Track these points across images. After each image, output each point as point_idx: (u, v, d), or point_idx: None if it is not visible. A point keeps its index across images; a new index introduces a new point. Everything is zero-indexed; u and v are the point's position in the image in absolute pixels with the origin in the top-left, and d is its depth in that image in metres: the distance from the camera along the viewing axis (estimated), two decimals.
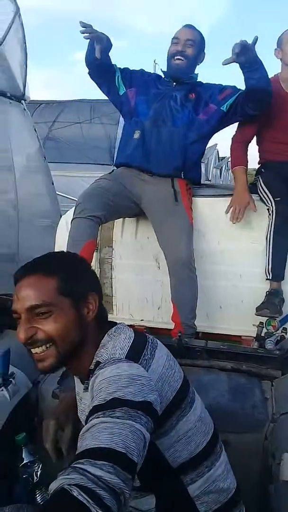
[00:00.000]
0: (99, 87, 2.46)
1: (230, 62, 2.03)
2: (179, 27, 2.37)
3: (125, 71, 2.45)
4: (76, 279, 1.02)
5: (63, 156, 6.22)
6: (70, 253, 1.30)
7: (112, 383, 0.85)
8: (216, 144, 13.50)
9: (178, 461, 1.00)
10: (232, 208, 2.33)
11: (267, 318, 2.15)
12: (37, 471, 1.18)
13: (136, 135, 2.31)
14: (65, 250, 2.16)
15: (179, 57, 2.30)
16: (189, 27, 2.37)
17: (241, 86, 2.26)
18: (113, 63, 2.40)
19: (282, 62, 2.36)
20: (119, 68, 2.43)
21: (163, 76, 2.43)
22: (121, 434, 0.76)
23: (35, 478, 1.18)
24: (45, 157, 3.99)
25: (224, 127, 2.42)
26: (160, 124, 2.29)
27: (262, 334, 2.05)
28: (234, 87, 2.32)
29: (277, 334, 2.04)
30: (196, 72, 2.42)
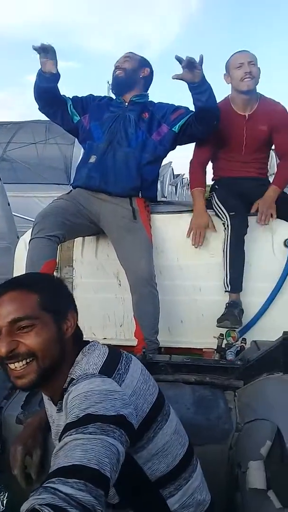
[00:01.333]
0: (53, 119, 2.50)
1: (180, 78, 2.13)
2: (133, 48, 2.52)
3: (75, 99, 2.49)
4: (57, 297, 1.04)
5: (18, 177, 6.14)
6: (46, 273, 1.31)
7: (85, 399, 0.85)
8: (171, 162, 13.78)
9: (156, 475, 1.00)
10: (192, 231, 2.40)
11: (227, 329, 2.21)
12: (3, 500, 1.15)
13: (92, 159, 2.33)
14: (24, 271, 2.14)
15: (118, 71, 2.42)
16: (128, 52, 2.50)
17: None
18: (62, 92, 2.44)
19: (231, 85, 2.46)
20: (69, 98, 2.47)
21: (114, 98, 2.50)
22: (93, 450, 0.76)
23: (1, 507, 1.15)
24: (0, 178, 3.93)
25: (177, 146, 2.47)
26: (115, 146, 2.32)
27: (223, 346, 2.10)
28: (187, 108, 2.37)
29: (237, 345, 2.09)
30: (148, 92, 2.50)
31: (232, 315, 2.24)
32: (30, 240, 2.19)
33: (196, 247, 2.39)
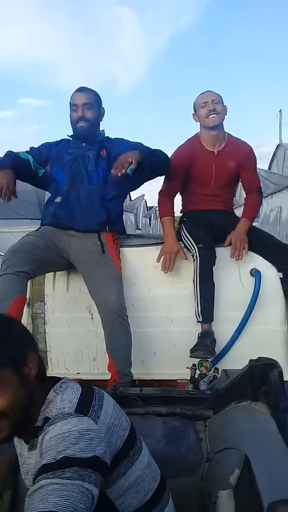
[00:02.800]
0: (22, 180, 2.41)
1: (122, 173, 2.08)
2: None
3: (35, 153, 2.47)
4: (12, 345, 1.00)
5: None
6: None
7: (62, 441, 0.85)
8: (144, 194, 14.01)
9: (129, 510, 1.00)
10: (162, 257, 2.44)
11: (200, 359, 2.23)
12: None
13: (58, 199, 2.38)
14: None
15: (81, 122, 2.41)
16: (82, 89, 2.46)
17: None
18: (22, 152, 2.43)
19: (199, 123, 2.59)
20: (28, 154, 2.44)
21: (71, 139, 2.52)
22: (70, 496, 0.76)
23: None
24: None
25: (137, 185, 2.55)
26: (78, 185, 2.36)
27: (196, 376, 2.11)
28: (140, 148, 2.28)
29: (209, 375, 2.11)
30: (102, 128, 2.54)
31: (204, 345, 2.27)
32: None
33: (165, 273, 2.43)
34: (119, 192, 2.44)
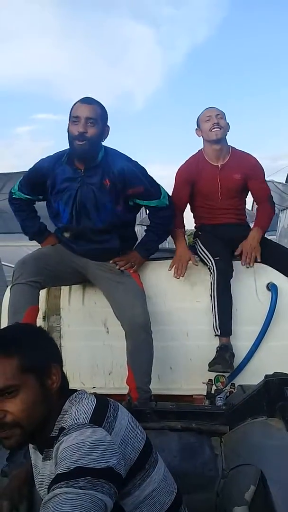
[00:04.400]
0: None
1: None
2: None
3: (26, 189, 2.34)
4: (37, 354, 1.03)
5: (8, 227, 6.21)
6: (27, 325, 1.29)
7: (76, 451, 0.86)
8: None
9: None
10: (174, 264, 2.45)
11: (218, 374, 2.21)
12: None
13: (66, 235, 2.32)
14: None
15: (80, 141, 2.08)
16: (88, 101, 2.12)
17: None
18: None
19: (202, 138, 2.62)
20: (28, 196, 2.36)
21: (63, 159, 2.20)
22: (82, 506, 0.77)
23: None
24: None
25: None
26: (85, 221, 2.22)
27: (212, 392, 2.10)
28: (145, 187, 2.21)
29: (226, 390, 2.09)
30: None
31: (223, 359, 2.25)
32: (11, 287, 2.19)
33: (177, 278, 2.42)
34: (128, 220, 2.39)
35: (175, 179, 2.64)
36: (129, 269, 2.33)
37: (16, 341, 1.03)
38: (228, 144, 2.63)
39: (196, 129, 2.65)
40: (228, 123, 2.59)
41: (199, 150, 2.68)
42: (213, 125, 2.52)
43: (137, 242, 2.51)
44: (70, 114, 2.13)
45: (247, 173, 2.59)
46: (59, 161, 2.21)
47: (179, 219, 2.63)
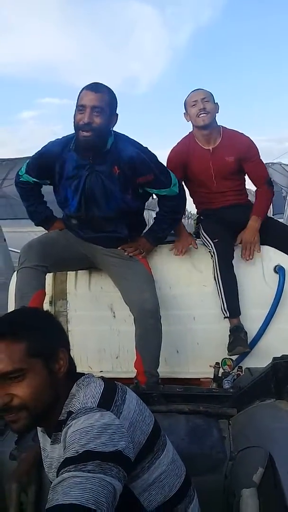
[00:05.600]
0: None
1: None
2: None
3: (34, 173, 2.27)
4: (45, 338, 1.03)
5: (15, 212, 6.22)
6: (35, 310, 1.29)
7: (84, 435, 0.87)
8: None
9: (153, 505, 1.00)
10: (176, 247, 2.46)
11: (223, 358, 2.21)
12: None
13: (74, 221, 2.29)
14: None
15: (85, 131, 2.00)
16: (95, 88, 2.02)
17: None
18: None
19: (191, 122, 2.55)
20: (36, 180, 2.31)
21: (71, 145, 2.13)
22: (91, 489, 0.78)
23: None
24: None
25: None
26: (94, 210, 2.18)
27: (219, 375, 2.10)
28: (155, 176, 2.16)
29: (233, 373, 2.09)
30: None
31: (240, 339, 2.25)
32: (18, 271, 2.18)
33: (176, 254, 2.45)
34: (137, 207, 2.32)
35: (167, 162, 2.56)
36: (137, 255, 2.32)
37: (24, 325, 1.04)
38: (219, 124, 2.57)
39: (184, 113, 2.57)
40: (216, 103, 2.51)
41: (189, 133, 2.62)
42: (200, 110, 2.45)
43: (146, 229, 2.48)
44: (77, 101, 2.04)
45: (241, 155, 2.52)
46: (67, 147, 2.14)
47: None
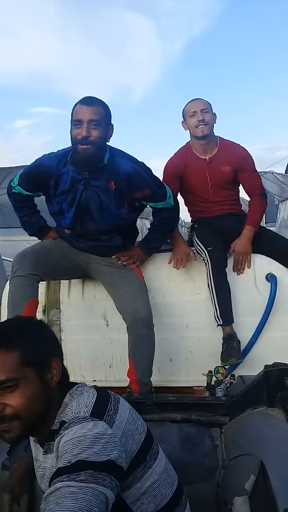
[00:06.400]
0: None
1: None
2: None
3: (27, 186, 2.25)
4: (38, 348, 1.04)
5: (8, 221, 6.21)
6: (28, 319, 1.29)
7: (77, 444, 0.87)
8: None
9: None
10: (174, 259, 2.46)
11: (216, 366, 2.21)
12: None
13: (68, 231, 2.29)
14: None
15: (84, 145, 2.00)
16: (89, 102, 2.03)
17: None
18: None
19: (189, 132, 2.59)
20: (29, 194, 2.29)
21: (68, 159, 2.13)
22: (84, 499, 0.78)
23: None
24: None
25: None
26: (89, 223, 2.19)
27: (212, 383, 2.10)
28: (152, 190, 2.18)
29: (226, 381, 2.09)
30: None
31: (232, 348, 2.26)
32: (10, 279, 2.18)
33: (178, 269, 2.44)
34: (132, 219, 2.36)
35: (164, 173, 2.60)
36: (131, 264, 2.33)
37: (18, 335, 1.04)
38: (216, 135, 2.61)
39: (182, 122, 2.61)
40: (214, 113, 2.56)
41: (187, 143, 2.66)
42: (199, 122, 2.49)
43: (141, 238, 2.51)
44: (71, 116, 2.04)
45: (237, 165, 2.57)
46: (63, 161, 2.13)
47: None
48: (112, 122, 2.12)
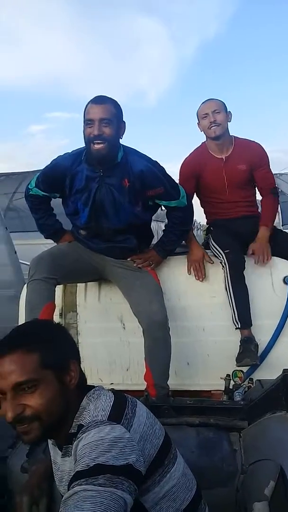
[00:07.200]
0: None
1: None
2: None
3: (44, 187, 2.29)
4: (57, 350, 1.05)
5: (25, 225, 6.27)
6: (46, 321, 1.30)
7: (95, 448, 0.87)
8: None
9: None
10: (191, 266, 2.44)
11: (234, 370, 2.19)
12: None
13: (83, 232, 2.31)
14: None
15: (97, 144, 2.03)
16: (99, 101, 2.07)
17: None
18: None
19: (204, 133, 2.59)
20: (46, 194, 2.34)
21: (82, 158, 2.16)
22: (102, 503, 0.78)
23: None
24: (6, 228, 4.03)
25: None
26: (103, 221, 2.21)
27: (230, 387, 2.08)
28: (165, 188, 2.20)
29: (244, 385, 2.07)
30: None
31: (249, 351, 2.24)
32: (28, 283, 2.20)
33: (201, 281, 2.42)
34: (146, 219, 2.36)
35: (180, 173, 2.61)
36: (146, 267, 2.33)
37: (37, 337, 1.05)
38: (231, 134, 2.60)
39: (197, 123, 2.61)
40: (230, 112, 2.55)
41: (202, 143, 2.66)
42: (211, 123, 2.49)
43: (156, 241, 2.49)
44: (84, 116, 2.08)
45: (253, 162, 2.56)
46: (78, 160, 2.17)
47: None
48: (123, 120, 2.14)
